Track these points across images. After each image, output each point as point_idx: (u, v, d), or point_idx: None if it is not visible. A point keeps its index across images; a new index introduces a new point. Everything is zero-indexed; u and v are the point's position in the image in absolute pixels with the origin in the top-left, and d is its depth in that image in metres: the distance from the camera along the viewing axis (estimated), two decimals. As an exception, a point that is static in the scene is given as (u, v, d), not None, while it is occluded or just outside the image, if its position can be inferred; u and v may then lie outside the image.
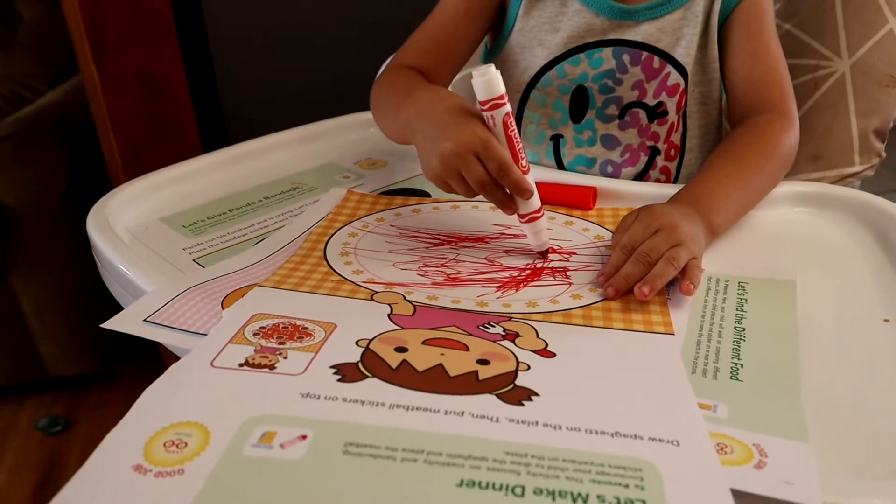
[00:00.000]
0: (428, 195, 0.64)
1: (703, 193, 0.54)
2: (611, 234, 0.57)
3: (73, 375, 1.41)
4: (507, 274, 0.53)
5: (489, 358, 0.42)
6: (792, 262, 0.53)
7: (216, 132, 1.19)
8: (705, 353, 0.44)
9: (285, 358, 0.41)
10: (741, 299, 0.50)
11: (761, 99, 0.60)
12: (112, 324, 0.45)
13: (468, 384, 0.39)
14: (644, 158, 0.66)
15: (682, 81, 0.64)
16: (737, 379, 0.42)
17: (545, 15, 0.65)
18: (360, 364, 0.40)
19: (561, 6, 0.64)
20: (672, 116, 0.65)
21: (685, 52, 0.63)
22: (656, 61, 0.63)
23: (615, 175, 0.66)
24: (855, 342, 0.46)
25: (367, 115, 0.78)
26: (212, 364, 0.40)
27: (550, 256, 0.55)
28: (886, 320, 0.47)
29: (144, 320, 0.45)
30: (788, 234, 0.57)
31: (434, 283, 0.51)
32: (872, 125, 0.67)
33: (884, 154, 0.68)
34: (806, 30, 0.70)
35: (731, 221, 0.55)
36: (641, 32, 0.63)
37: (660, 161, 0.67)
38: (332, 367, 0.40)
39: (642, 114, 0.65)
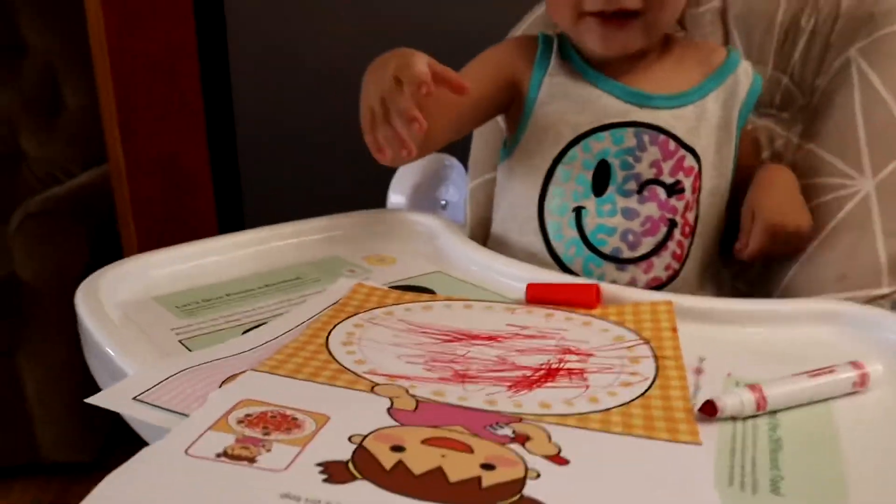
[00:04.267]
0: (433, 293, 0.61)
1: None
2: (631, 333, 0.54)
3: (66, 462, 1.36)
4: (519, 373, 0.49)
5: (495, 462, 0.38)
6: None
7: (235, 222, 1.19)
8: (741, 464, 0.41)
9: (268, 451, 0.37)
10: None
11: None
12: (98, 399, 0.42)
13: (470, 493, 0.35)
14: (664, 229, 0.67)
15: (696, 165, 0.67)
16: (778, 493, 0.38)
17: (569, 101, 0.68)
18: (350, 463, 0.36)
19: (583, 91, 0.68)
20: (688, 195, 0.67)
21: (698, 143, 0.67)
22: (671, 144, 0.66)
23: (636, 243, 0.67)
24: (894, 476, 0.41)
25: (379, 214, 0.77)
26: (187, 452, 0.36)
27: (567, 357, 0.51)
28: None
29: (134, 398, 0.42)
30: (814, 356, 0.52)
31: (441, 379, 0.47)
32: None
33: None
34: (827, 148, 0.69)
35: None
36: (659, 118, 0.66)
37: (677, 234, 0.68)
38: (319, 464, 0.36)
39: (660, 190, 0.67)
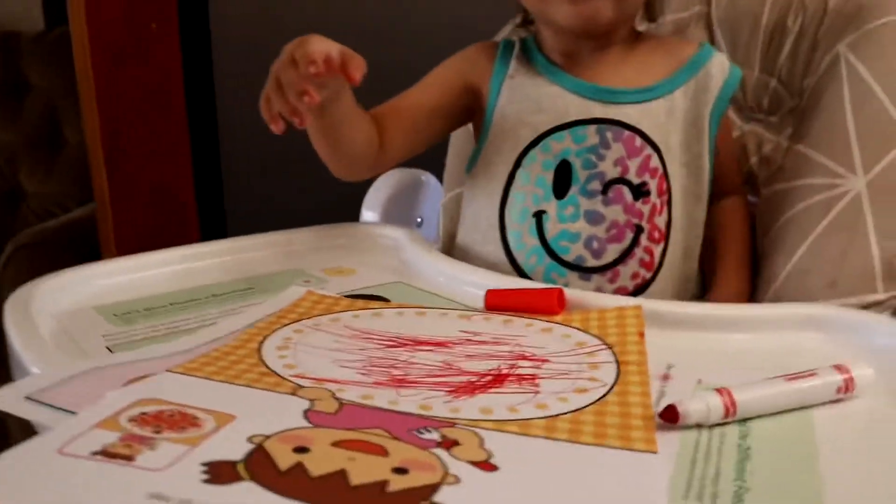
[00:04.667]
0: (388, 301, 0.58)
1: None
2: (594, 339, 0.49)
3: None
4: (464, 379, 0.45)
5: (409, 466, 0.33)
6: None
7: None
8: (702, 475, 0.36)
9: (152, 449, 0.33)
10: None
11: (727, 187, 0.70)
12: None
13: (370, 497, 0.31)
14: (630, 235, 0.63)
15: (660, 166, 0.63)
16: (741, 505, 0.33)
17: (529, 101, 0.65)
18: (241, 464, 0.32)
19: (543, 89, 0.65)
20: (654, 198, 0.63)
21: (663, 141, 0.63)
22: (637, 140, 0.63)
23: (600, 251, 0.63)
24: (879, 491, 0.36)
25: (344, 227, 0.73)
26: (60, 450, 0.32)
27: (519, 363, 0.47)
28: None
29: (27, 397, 0.39)
30: (796, 363, 0.47)
31: (375, 383, 0.43)
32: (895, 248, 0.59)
33: None
34: (816, 147, 0.65)
35: None
36: (624, 114, 0.63)
37: (643, 240, 0.63)
38: (205, 464, 0.32)
39: (626, 190, 0.63)
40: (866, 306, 0.58)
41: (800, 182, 0.64)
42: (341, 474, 0.32)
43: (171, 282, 0.61)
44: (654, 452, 0.37)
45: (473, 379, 0.44)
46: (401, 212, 0.82)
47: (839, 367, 0.44)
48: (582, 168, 0.63)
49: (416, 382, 0.44)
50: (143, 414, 0.36)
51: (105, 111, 1.07)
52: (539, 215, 0.63)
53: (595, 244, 0.63)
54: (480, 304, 0.57)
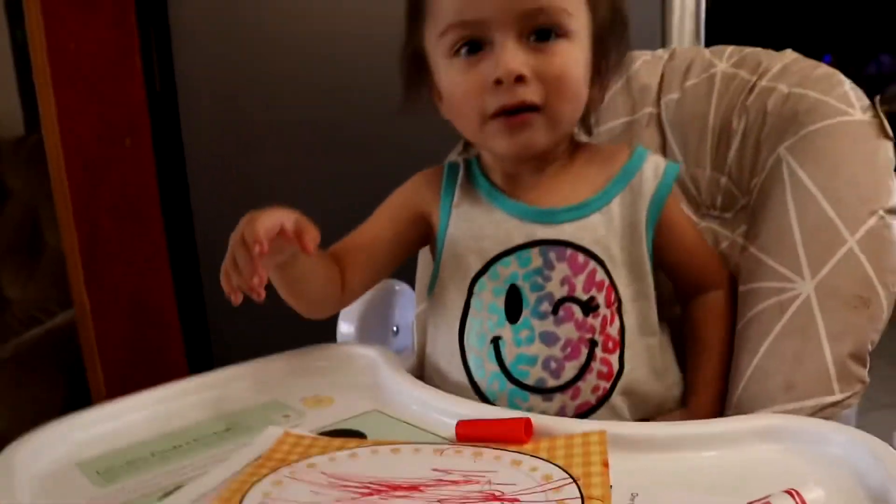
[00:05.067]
0: (364, 436, 0.59)
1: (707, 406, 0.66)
2: (560, 471, 0.51)
3: None
4: (436, 529, 0.46)
5: None
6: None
7: (204, 361, 1.17)
8: None
9: None
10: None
11: (706, 281, 0.72)
12: None
13: None
14: (585, 351, 0.65)
15: (606, 279, 0.65)
16: None
17: (475, 228, 0.68)
18: None
19: (487, 216, 0.68)
20: (604, 310, 0.65)
21: (605, 252, 0.65)
22: (581, 258, 0.65)
23: (559, 370, 0.64)
24: None
25: (320, 349, 0.74)
26: None
27: (489, 506, 0.48)
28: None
29: None
30: (756, 480, 0.49)
31: (349, 544, 0.45)
32: (847, 349, 0.60)
33: (867, 379, 0.61)
34: (766, 251, 0.68)
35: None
36: (564, 232, 0.66)
37: (599, 353, 0.65)
38: None
39: (576, 308, 0.65)
40: (824, 408, 0.60)
41: (755, 285, 0.67)
42: None
43: (151, 426, 0.62)
44: None
45: (445, 529, 0.46)
46: (377, 322, 0.84)
47: (791, 492, 0.45)
48: (530, 291, 0.65)
49: (389, 538, 0.45)
50: None
51: (82, 225, 1.09)
52: (496, 341, 0.65)
53: (553, 364, 0.64)
54: (452, 431, 0.58)
